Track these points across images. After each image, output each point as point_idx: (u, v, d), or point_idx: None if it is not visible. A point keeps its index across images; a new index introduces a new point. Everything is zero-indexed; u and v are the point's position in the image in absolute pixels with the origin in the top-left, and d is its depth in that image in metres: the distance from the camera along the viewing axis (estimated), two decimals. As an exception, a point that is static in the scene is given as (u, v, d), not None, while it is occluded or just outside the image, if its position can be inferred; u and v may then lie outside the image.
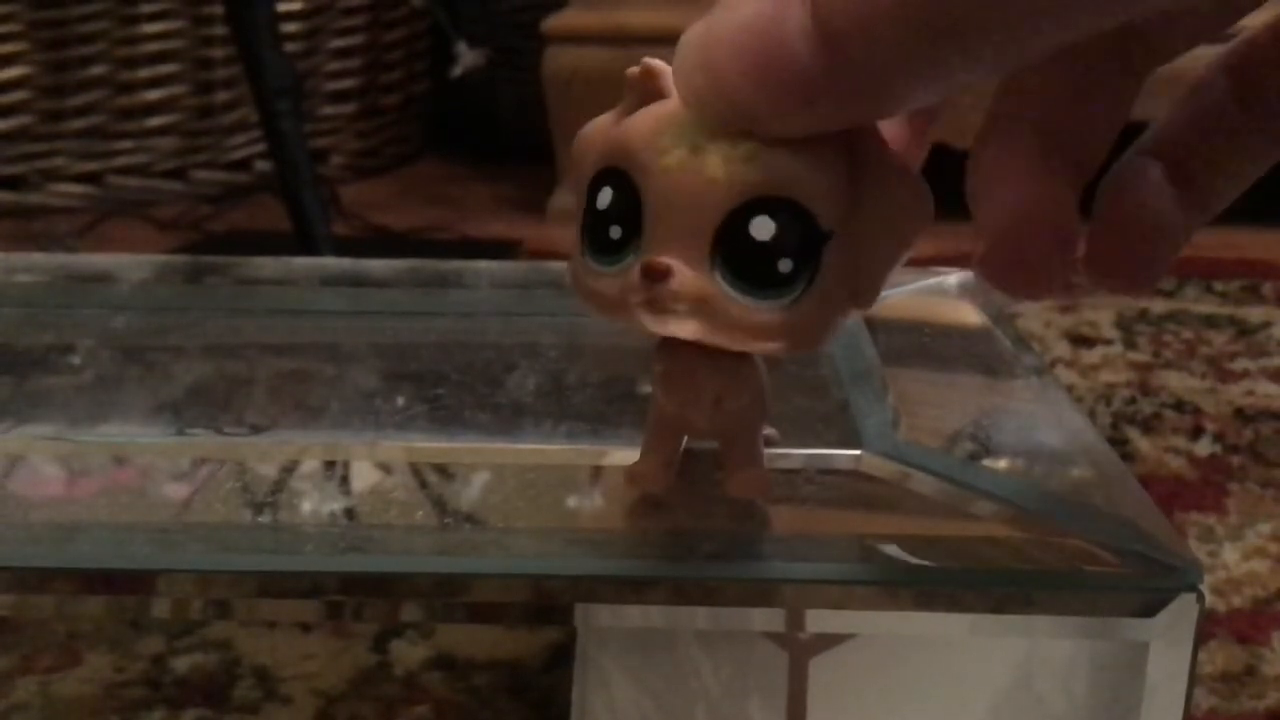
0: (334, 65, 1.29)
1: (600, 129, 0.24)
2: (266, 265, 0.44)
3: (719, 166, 0.22)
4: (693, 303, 0.22)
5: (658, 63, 0.24)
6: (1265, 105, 0.26)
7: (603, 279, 0.23)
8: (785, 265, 0.23)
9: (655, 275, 0.22)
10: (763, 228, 0.22)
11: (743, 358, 0.24)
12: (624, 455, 0.27)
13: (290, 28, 1.20)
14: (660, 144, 0.22)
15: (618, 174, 0.23)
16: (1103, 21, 0.20)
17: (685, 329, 0.23)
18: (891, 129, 0.25)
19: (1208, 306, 0.87)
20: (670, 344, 0.24)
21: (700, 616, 0.25)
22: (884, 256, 0.24)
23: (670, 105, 0.23)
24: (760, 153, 0.22)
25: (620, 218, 0.23)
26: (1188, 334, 0.82)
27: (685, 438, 0.26)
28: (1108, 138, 0.26)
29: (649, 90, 0.24)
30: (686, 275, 0.22)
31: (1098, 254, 0.26)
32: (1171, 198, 0.26)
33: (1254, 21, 0.26)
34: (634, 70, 0.24)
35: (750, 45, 0.21)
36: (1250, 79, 0.26)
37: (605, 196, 0.23)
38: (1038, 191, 0.25)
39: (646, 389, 0.27)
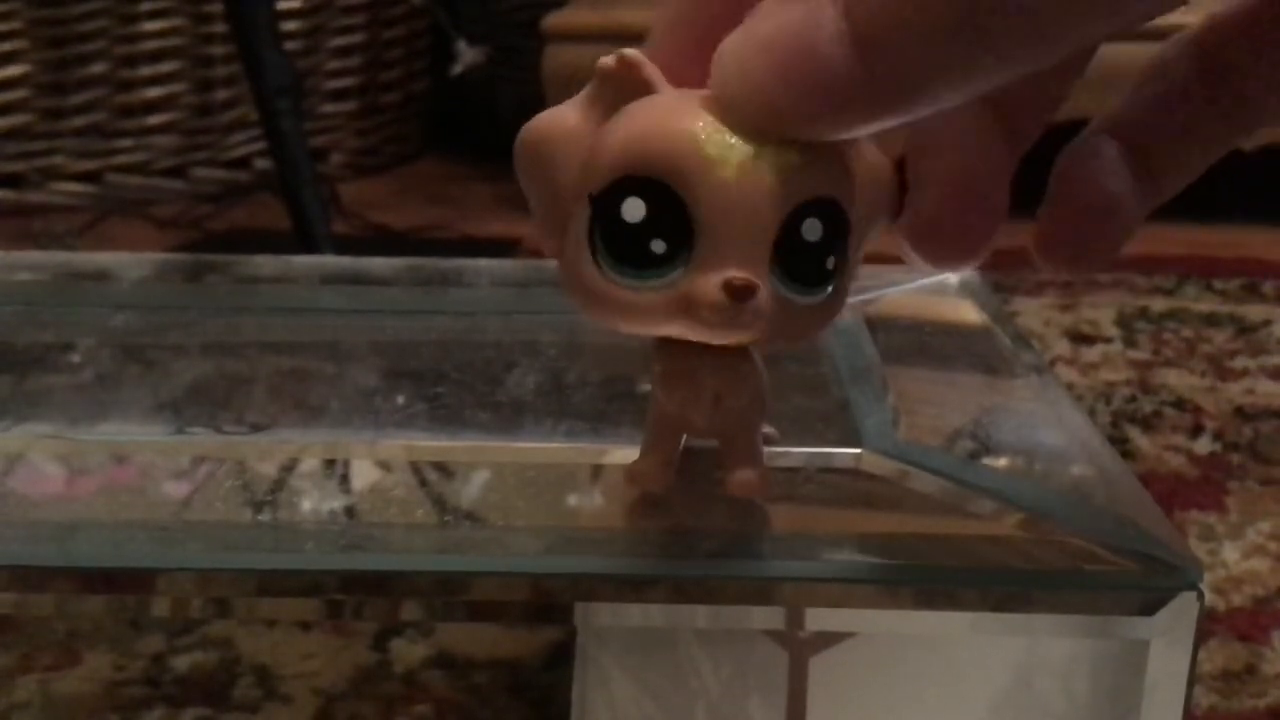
0: (334, 63, 1.29)
1: (571, 127, 0.24)
2: (266, 264, 0.44)
3: (775, 175, 0.22)
4: (768, 314, 0.23)
5: (635, 53, 0.23)
6: (1229, 87, 0.26)
7: (639, 294, 0.23)
8: (831, 262, 0.23)
9: (743, 294, 0.22)
10: (813, 229, 0.23)
11: (743, 356, 0.24)
12: (624, 454, 0.27)
13: (290, 26, 1.20)
14: (708, 155, 0.22)
15: (648, 183, 0.22)
16: (1132, 19, 0.20)
17: (749, 336, 0.23)
18: None
19: (1208, 305, 0.87)
20: (670, 343, 0.24)
21: (700, 615, 0.25)
22: (869, 231, 0.25)
23: (684, 105, 0.23)
24: (805, 157, 0.22)
25: (662, 230, 0.23)
26: (1188, 332, 0.82)
27: (685, 436, 0.26)
28: (1051, 106, 0.26)
29: (631, 82, 0.23)
30: (764, 290, 0.23)
31: (1048, 233, 0.26)
32: (1127, 179, 0.26)
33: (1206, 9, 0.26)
34: (608, 61, 0.23)
35: (785, 51, 0.21)
36: (1215, 60, 0.26)
37: (635, 208, 0.22)
38: (971, 160, 0.25)
39: (646, 388, 0.27)
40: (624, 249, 0.23)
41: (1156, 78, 0.26)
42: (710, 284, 0.22)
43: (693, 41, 0.24)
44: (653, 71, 0.23)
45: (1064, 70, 0.26)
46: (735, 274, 0.22)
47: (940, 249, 0.25)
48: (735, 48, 0.22)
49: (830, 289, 0.23)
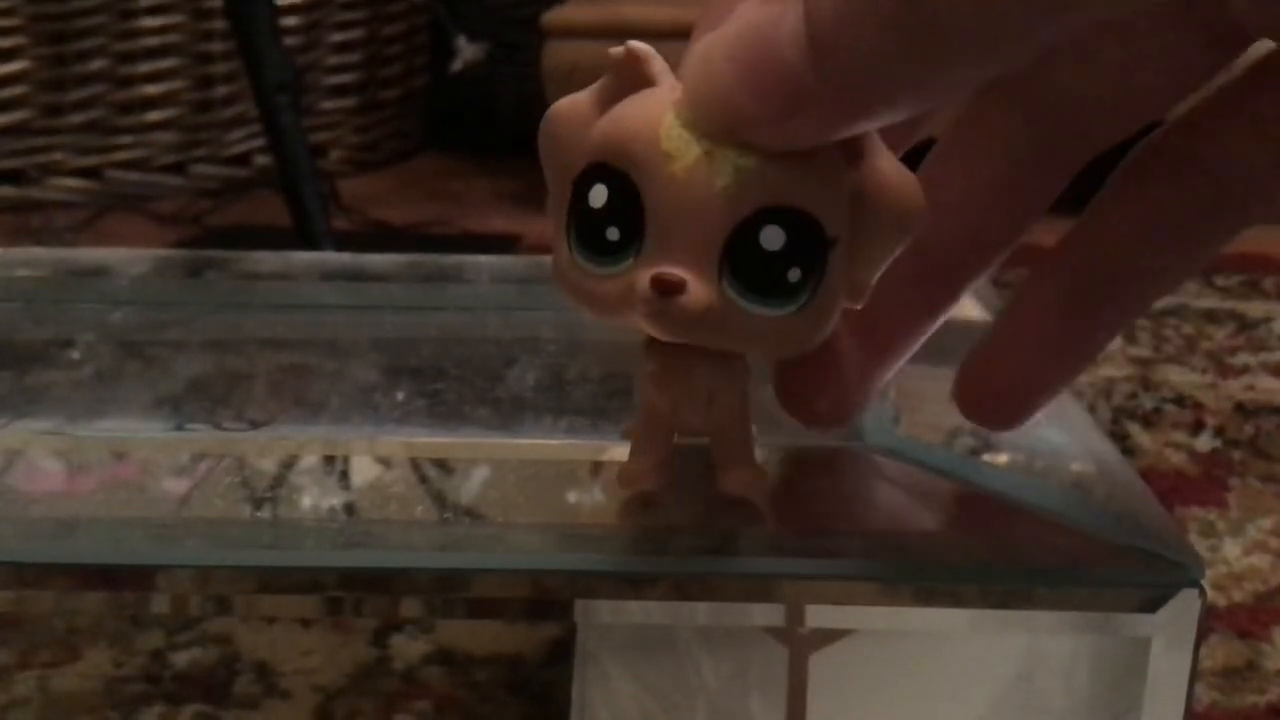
0: (333, 60, 1.29)
1: (581, 113, 0.24)
2: (266, 260, 0.44)
3: (729, 175, 0.22)
4: (702, 315, 0.22)
5: (643, 46, 0.23)
6: (1208, 177, 0.24)
7: (598, 280, 0.23)
8: (794, 274, 0.22)
9: (668, 289, 0.22)
10: (773, 238, 0.22)
11: (734, 354, 0.24)
12: (624, 450, 0.27)
13: (289, 22, 1.20)
14: (665, 147, 0.22)
15: (613, 172, 0.22)
16: (1089, 21, 0.20)
17: (690, 336, 0.23)
18: None
19: (1208, 301, 0.87)
20: (662, 341, 0.24)
21: (700, 612, 0.25)
22: (881, 253, 0.24)
23: (662, 99, 0.23)
24: (769, 160, 0.22)
25: (618, 219, 0.23)
26: (1188, 329, 0.82)
27: (675, 435, 0.26)
28: (982, 266, 0.26)
29: (633, 74, 0.23)
30: (698, 289, 0.22)
31: (966, 386, 0.26)
32: (1064, 328, 0.25)
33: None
34: (618, 51, 0.23)
35: (745, 51, 0.21)
36: (1188, 155, 0.24)
37: (599, 195, 0.23)
38: (878, 318, 0.25)
39: (646, 384, 0.26)
40: (587, 234, 0.23)
41: (1119, 192, 0.25)
42: (643, 277, 0.22)
43: None
44: (658, 66, 0.23)
45: (1037, 201, 0.25)
46: (665, 269, 0.22)
47: (805, 407, 0.25)
48: (705, 45, 0.22)
49: (800, 304, 0.23)
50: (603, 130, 0.23)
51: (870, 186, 0.23)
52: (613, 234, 0.23)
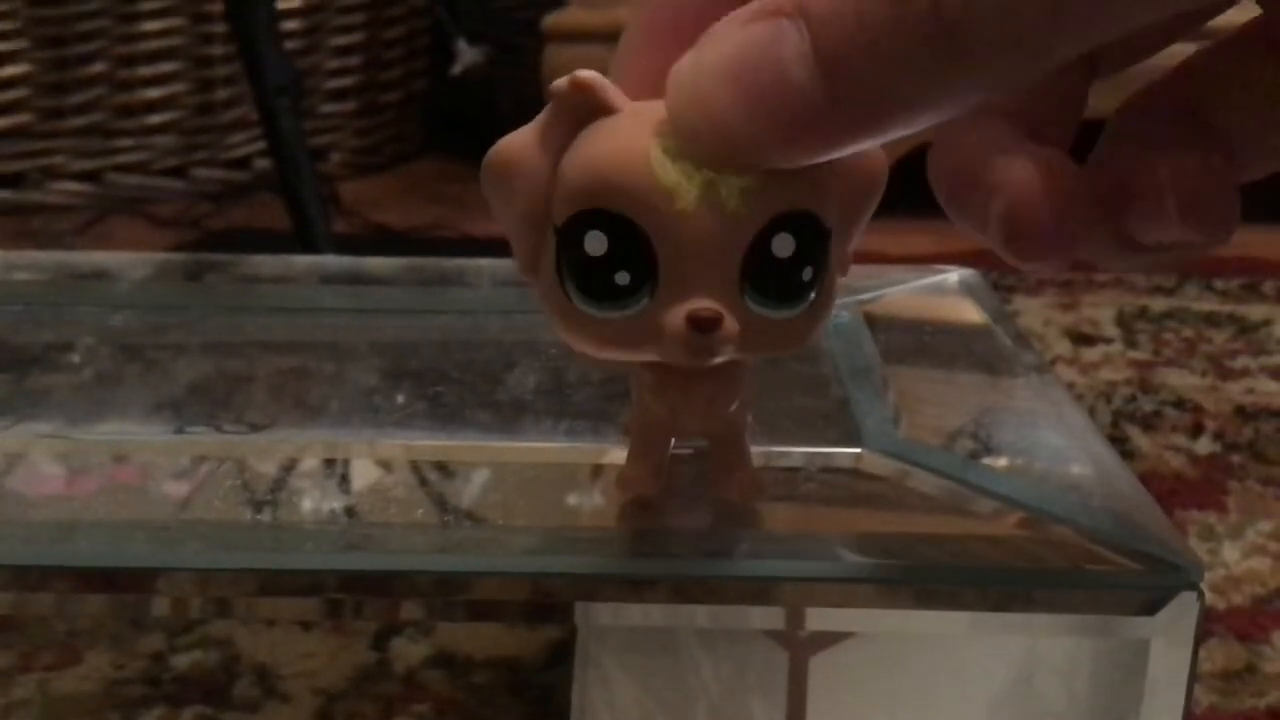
0: (334, 63, 1.29)
1: (532, 153, 0.23)
2: (266, 263, 0.44)
3: (736, 200, 0.22)
4: (737, 340, 0.22)
5: (590, 74, 0.23)
6: (1208, 123, 0.24)
7: (609, 325, 0.23)
8: (808, 273, 0.23)
9: (707, 325, 0.22)
10: (785, 245, 0.22)
11: (733, 360, 0.24)
12: (623, 454, 0.27)
13: (290, 25, 1.20)
14: (664, 185, 0.22)
15: (609, 216, 0.22)
16: (1114, 33, 0.20)
17: (719, 360, 0.23)
18: None
19: (1208, 304, 0.87)
20: None
21: (700, 615, 0.25)
22: (860, 223, 0.24)
23: (639, 131, 0.22)
24: (769, 173, 0.22)
25: (626, 263, 0.22)
26: (1188, 332, 0.82)
27: (673, 441, 0.26)
28: (1072, 129, 0.25)
29: (586, 105, 0.23)
30: (730, 316, 0.22)
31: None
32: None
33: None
34: (561, 84, 0.23)
35: (746, 75, 0.20)
36: (1188, 100, 0.24)
37: (597, 242, 0.22)
38: (1038, 155, 0.23)
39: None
40: (589, 282, 0.22)
41: (1126, 131, 0.25)
42: (675, 316, 0.22)
43: (669, 48, 0.22)
44: (610, 91, 0.23)
45: (1079, 95, 0.25)
46: (699, 305, 0.22)
47: (1031, 247, 0.23)
48: (692, 71, 0.21)
49: (814, 297, 0.23)
50: (584, 174, 0.22)
51: (844, 165, 0.23)
52: (622, 278, 0.22)
